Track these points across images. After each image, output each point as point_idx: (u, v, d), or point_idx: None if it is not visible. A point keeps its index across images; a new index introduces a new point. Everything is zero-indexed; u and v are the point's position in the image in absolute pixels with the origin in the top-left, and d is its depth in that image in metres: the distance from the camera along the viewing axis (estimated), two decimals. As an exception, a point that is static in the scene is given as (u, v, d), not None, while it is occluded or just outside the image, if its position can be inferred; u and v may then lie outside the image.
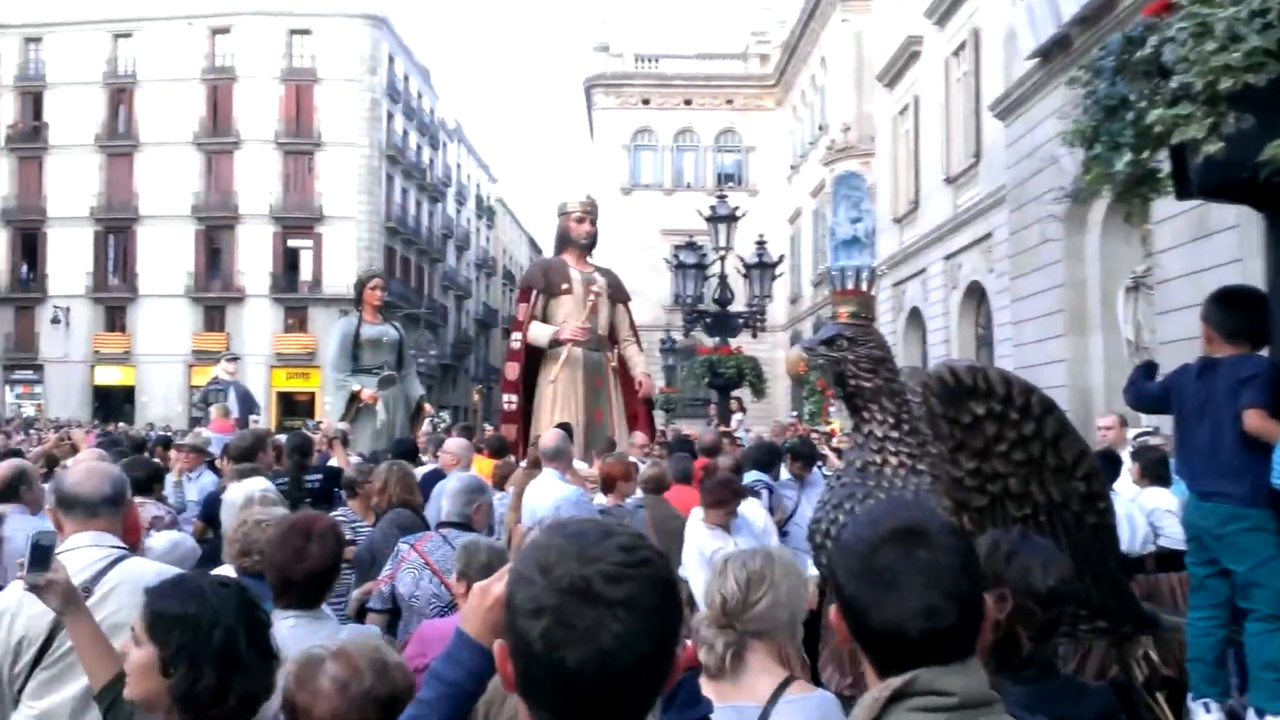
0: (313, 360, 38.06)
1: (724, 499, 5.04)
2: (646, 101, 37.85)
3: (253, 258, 39.06)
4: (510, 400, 8.96)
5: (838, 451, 9.33)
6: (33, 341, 39.71)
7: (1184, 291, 9.12)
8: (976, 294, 18.55)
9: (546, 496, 5.36)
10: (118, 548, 2.69)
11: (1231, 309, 3.64)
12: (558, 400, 8.67)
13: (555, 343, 8.80)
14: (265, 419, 24.25)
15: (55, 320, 38.96)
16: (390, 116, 42.11)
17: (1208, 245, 9.11)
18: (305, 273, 39.54)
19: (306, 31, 39.75)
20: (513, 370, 8.99)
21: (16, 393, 39.59)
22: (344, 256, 38.21)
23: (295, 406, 36.91)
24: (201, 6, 39.65)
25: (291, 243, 39.47)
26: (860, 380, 2.97)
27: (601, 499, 5.87)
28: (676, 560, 5.44)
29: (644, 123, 37.80)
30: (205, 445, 7.51)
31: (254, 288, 38.91)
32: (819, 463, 7.78)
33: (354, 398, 9.29)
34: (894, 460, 2.91)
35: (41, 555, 2.17)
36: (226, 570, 3.24)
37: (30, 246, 40.35)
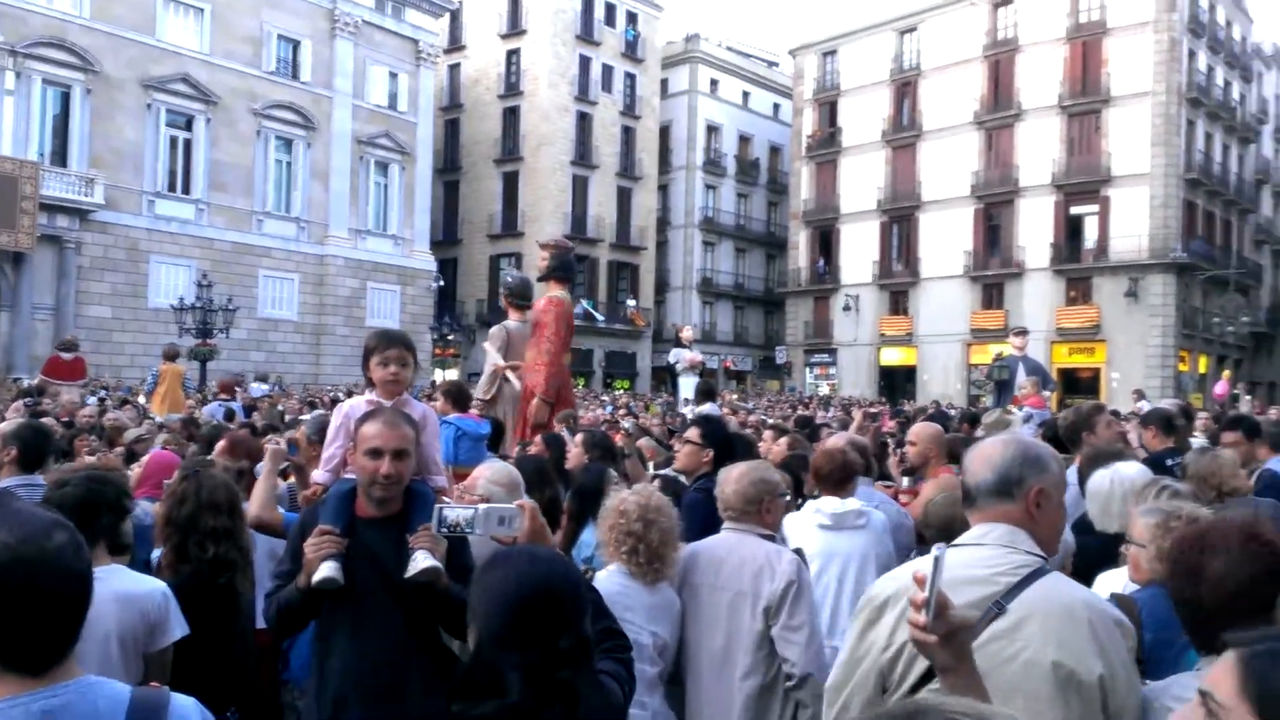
0: (1097, 334, 35.38)
1: None
2: None
3: (1032, 230, 37.57)
4: None
5: None
6: (828, 327, 43.91)
7: None
8: None
9: None
10: (1035, 555, 2.05)
11: None
12: None
13: None
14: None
15: (846, 308, 42.67)
16: (1192, 55, 36.44)
17: None
18: (1089, 240, 36.62)
19: (1097, -20, 36.61)
20: None
21: (814, 374, 44.11)
22: (1133, 218, 35.17)
23: (1078, 384, 34.36)
24: (983, -16, 39.34)
25: (1074, 210, 37.05)
26: None
27: None
28: None
29: None
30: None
31: (1033, 261, 37.44)
32: None
33: None
34: None
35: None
36: None
37: (825, 242, 44.58)
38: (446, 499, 3.08)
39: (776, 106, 52.07)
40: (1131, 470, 3.77)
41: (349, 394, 11.77)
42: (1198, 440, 5.91)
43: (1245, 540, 2.08)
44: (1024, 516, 2.06)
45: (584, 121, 44.05)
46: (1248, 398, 25.62)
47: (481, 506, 2.54)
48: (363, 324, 32.50)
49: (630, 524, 3.17)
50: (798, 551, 3.64)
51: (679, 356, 15.09)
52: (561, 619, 1.82)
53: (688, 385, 15.30)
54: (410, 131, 37.05)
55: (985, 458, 2.14)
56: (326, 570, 2.68)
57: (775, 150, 51.93)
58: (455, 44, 44.62)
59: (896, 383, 40.26)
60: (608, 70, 44.89)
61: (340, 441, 3.35)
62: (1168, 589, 2.27)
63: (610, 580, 3.15)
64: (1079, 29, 36.88)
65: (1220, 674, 1.21)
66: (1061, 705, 1.85)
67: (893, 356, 41.77)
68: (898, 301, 41.80)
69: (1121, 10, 35.71)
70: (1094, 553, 3.56)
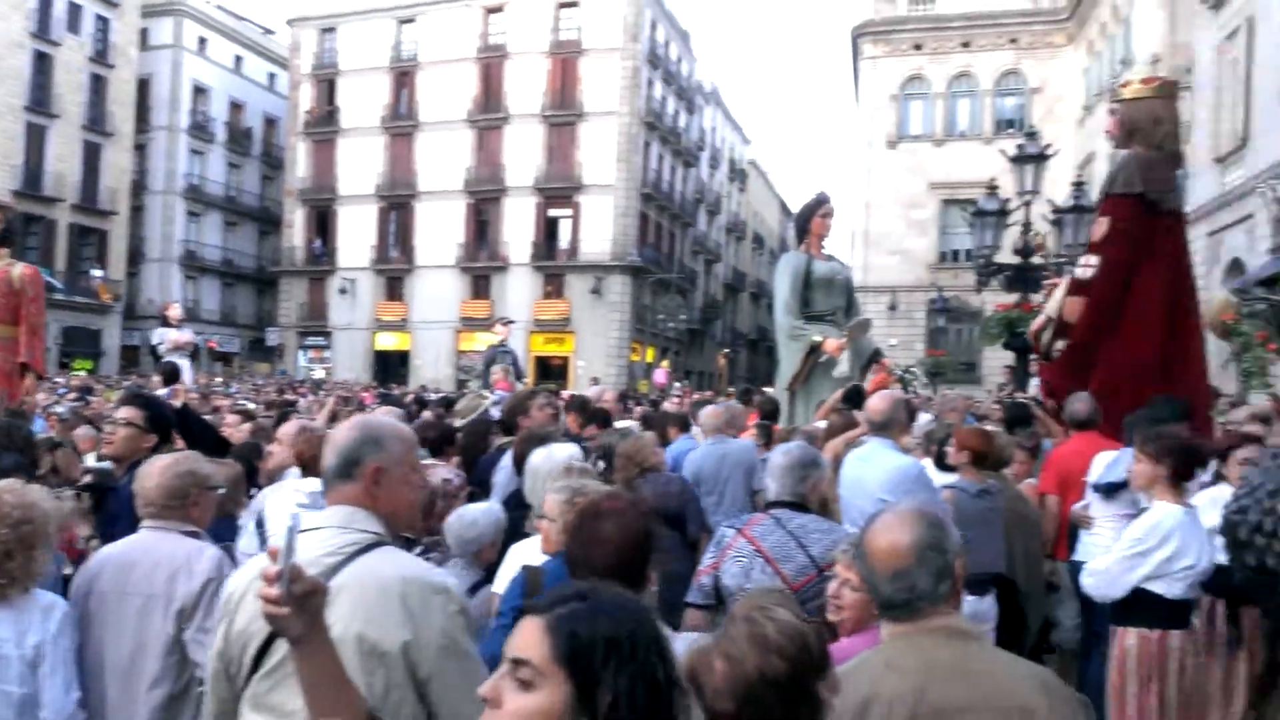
0: (568, 326, 39.26)
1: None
2: (919, 47, 35.04)
3: (516, 228, 40.38)
4: None
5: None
6: (323, 310, 43.39)
7: None
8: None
9: (880, 470, 4.47)
10: (370, 533, 2.07)
11: None
12: None
13: None
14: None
15: (343, 291, 42.50)
16: (650, 83, 41.83)
17: None
18: (563, 241, 40.37)
19: (574, 4, 40.17)
20: None
21: (308, 357, 43.33)
22: (600, 224, 39.33)
23: (551, 371, 37.97)
24: (479, -14, 41.10)
25: (552, 212, 40.41)
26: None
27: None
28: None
29: (915, 70, 35.07)
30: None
31: (516, 257, 40.26)
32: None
33: (814, 350, 7.67)
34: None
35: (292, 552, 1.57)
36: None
37: (323, 223, 43.91)
38: None
39: (273, 76, 49.85)
40: (564, 452, 4.06)
41: None
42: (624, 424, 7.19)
43: (631, 511, 2.40)
44: (364, 495, 2.08)
45: (43, 62, 38.44)
46: (679, 384, 30.77)
47: None
48: None
49: None
50: (225, 548, 3.50)
51: (163, 337, 14.19)
52: None
53: None
54: None
55: (331, 442, 2.16)
56: None
57: (271, 122, 49.69)
58: None
59: (391, 367, 40.94)
60: (75, 9, 39.59)
61: None
62: (565, 556, 2.46)
63: None
64: (560, 46, 40.12)
65: (530, 640, 1.22)
66: (366, 676, 1.88)
67: (388, 341, 42.42)
68: (394, 287, 42.45)
69: (594, 35, 39.56)
70: (525, 526, 3.83)
